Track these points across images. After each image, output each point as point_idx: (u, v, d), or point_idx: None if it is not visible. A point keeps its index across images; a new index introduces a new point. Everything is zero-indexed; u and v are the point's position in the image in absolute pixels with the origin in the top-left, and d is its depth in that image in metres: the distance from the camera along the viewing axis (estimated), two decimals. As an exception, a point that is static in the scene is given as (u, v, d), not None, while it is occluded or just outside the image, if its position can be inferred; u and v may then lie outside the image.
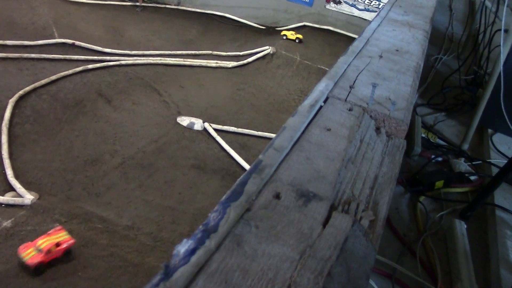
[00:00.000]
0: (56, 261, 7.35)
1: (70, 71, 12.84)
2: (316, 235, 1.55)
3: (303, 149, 1.96)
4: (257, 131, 11.89)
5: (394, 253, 2.68)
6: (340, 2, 18.29)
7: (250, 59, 15.82)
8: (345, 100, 2.43)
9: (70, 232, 7.86)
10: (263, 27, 18.97)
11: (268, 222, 1.58)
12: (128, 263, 7.49)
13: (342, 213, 1.67)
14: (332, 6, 18.51)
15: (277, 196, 1.68)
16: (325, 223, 1.60)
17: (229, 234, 1.55)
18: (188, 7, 19.10)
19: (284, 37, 17.20)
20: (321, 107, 2.31)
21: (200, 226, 1.55)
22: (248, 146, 11.35)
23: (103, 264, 7.40)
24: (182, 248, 1.45)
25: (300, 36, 17.27)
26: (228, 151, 10.94)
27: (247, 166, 10.48)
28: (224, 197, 1.70)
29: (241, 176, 1.87)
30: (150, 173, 9.86)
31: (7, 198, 8.45)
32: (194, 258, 1.40)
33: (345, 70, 2.80)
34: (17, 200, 8.42)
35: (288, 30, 17.69)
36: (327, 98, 2.42)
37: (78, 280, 7.07)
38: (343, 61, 2.92)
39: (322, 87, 2.54)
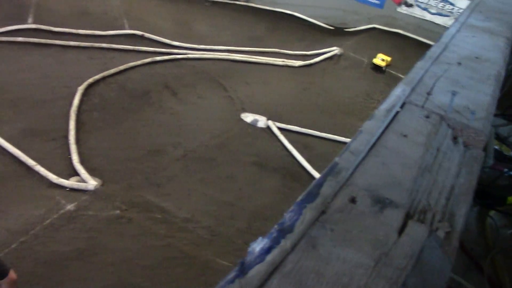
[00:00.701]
0: (115, 246, 7.41)
1: (139, 62, 13.03)
2: (392, 243, 1.54)
3: (379, 154, 1.94)
4: (321, 132, 11.74)
5: (459, 267, 2.53)
6: (411, 5, 17.90)
7: (317, 59, 15.67)
8: (422, 106, 2.36)
9: (129, 220, 7.93)
10: (332, 28, 18.80)
11: (343, 226, 1.58)
12: (184, 254, 7.48)
13: (418, 222, 1.66)
14: (403, 9, 18.14)
15: (353, 200, 1.69)
16: (401, 231, 1.59)
17: (304, 236, 1.50)
18: (258, 4, 19.11)
19: (384, 68, 15.33)
20: (397, 112, 2.28)
21: (276, 226, 1.50)
22: (310, 147, 11.22)
23: (159, 254, 7.41)
24: (258, 246, 1.40)
25: (388, 59, 15.54)
26: (290, 150, 10.82)
27: (308, 167, 10.36)
28: (299, 198, 1.65)
29: (317, 178, 1.81)
30: (211, 167, 9.86)
31: (72, 182, 8.59)
32: (269, 257, 1.35)
33: (422, 76, 2.71)
34: (81, 185, 8.55)
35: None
36: (403, 104, 2.38)
37: (135, 268, 7.10)
38: (420, 66, 2.83)
39: (399, 92, 2.47)
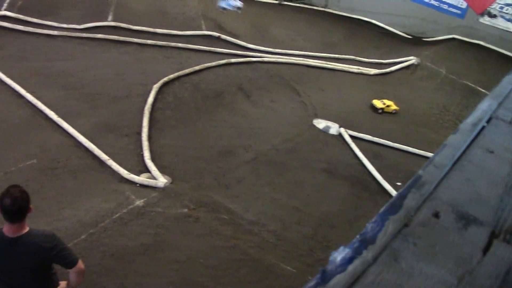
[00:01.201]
0: (181, 243, 7.49)
1: (214, 63, 13.17)
2: (476, 262, 1.48)
3: (463, 169, 1.88)
4: (393, 142, 11.52)
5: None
6: (495, 16, 17.32)
7: (393, 68, 15.40)
8: (510, 122, 2.26)
9: (197, 219, 8.00)
10: (409, 37, 18.46)
11: (426, 240, 1.53)
12: (248, 257, 7.48)
13: (504, 243, 1.60)
14: (486, 19, 17.57)
15: (436, 215, 1.63)
16: (486, 250, 1.53)
17: (386, 248, 1.45)
18: (335, 10, 18.99)
19: (380, 111, 13.16)
20: (483, 127, 2.19)
21: (358, 236, 1.46)
22: (381, 156, 11.04)
23: (224, 255, 7.43)
24: (339, 255, 1.36)
25: (397, 108, 13.36)
26: (361, 158, 10.67)
27: (378, 176, 10.19)
28: (382, 209, 1.61)
29: (400, 190, 1.76)
30: (281, 172, 9.84)
31: (142, 178, 8.74)
32: (351, 267, 1.31)
33: (510, 90, 2.60)
34: (151, 182, 8.69)
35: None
36: (490, 118, 2.29)
37: (199, 267, 7.15)
38: (508, 81, 2.72)
39: (485, 106, 2.38)
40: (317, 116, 11.94)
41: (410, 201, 1.66)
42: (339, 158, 10.66)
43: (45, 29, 13.30)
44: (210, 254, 7.42)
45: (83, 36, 13.38)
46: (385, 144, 11.46)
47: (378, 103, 12.90)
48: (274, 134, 10.91)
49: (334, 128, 11.50)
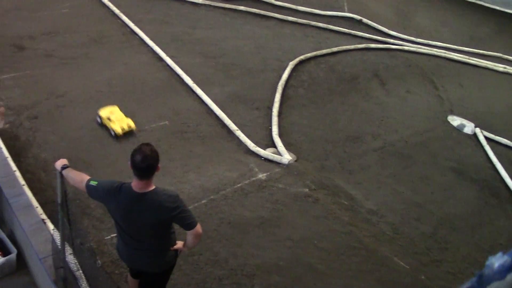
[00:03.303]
0: (297, 222, 7.49)
1: (352, 46, 12.97)
2: None
3: None
4: (533, 150, 10.83)
5: None
6: None
7: (544, 71, 14.41)
8: None
9: (316, 200, 7.98)
10: None
11: None
12: (362, 246, 7.37)
13: None
14: None
15: None
16: None
17: None
18: (486, 2, 17.95)
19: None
20: None
21: None
22: (517, 164, 10.42)
23: (338, 240, 7.38)
24: (497, 261, 1.28)
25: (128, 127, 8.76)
26: (494, 163, 10.12)
27: (511, 184, 9.63)
28: None
29: None
30: (407, 165, 9.57)
31: (268, 153, 8.83)
32: (510, 277, 1.24)
33: None
34: (276, 157, 8.75)
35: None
36: None
37: (312, 248, 7.15)
38: None
39: None
40: (452, 112, 11.46)
41: None
42: (471, 159, 10.19)
43: (190, -4, 13.76)
44: (324, 237, 7.39)
45: (226, 6, 13.66)
46: (524, 150, 10.78)
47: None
48: (405, 126, 10.61)
49: (469, 127, 10.98)
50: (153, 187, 4.41)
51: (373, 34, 13.98)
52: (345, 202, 8.21)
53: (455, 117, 11.26)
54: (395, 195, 8.80)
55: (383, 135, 10.16)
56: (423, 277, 7.11)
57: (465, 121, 11.15)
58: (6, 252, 6.46)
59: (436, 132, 10.70)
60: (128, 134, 8.67)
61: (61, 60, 10.40)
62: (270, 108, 10.04)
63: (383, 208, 8.39)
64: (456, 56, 13.98)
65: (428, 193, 9.07)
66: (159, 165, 4.34)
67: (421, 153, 9.96)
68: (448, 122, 11.09)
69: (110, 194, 4.45)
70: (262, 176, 8.30)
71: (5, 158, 7.28)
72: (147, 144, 4.33)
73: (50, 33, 11.21)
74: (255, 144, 9.01)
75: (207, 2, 13.62)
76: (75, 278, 5.55)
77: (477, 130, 10.95)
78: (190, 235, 4.60)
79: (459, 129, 10.94)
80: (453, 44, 14.50)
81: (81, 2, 12.76)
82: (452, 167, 9.85)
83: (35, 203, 6.68)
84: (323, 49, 12.53)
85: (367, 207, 8.29)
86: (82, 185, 4.62)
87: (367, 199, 8.48)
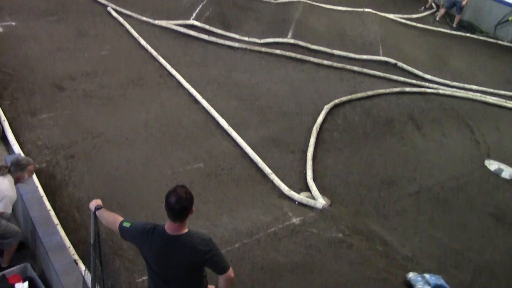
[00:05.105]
0: (331, 268, 7.40)
1: (387, 90, 12.95)
2: None
3: None
4: None
5: None
6: None
7: None
8: None
9: (350, 246, 7.88)
10: None
11: None
12: (399, 294, 7.25)
13: None
14: None
15: None
16: None
17: None
18: (523, 46, 17.79)
19: None
20: None
21: None
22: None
23: (373, 287, 7.25)
24: None
25: None
26: (532, 209, 9.89)
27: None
28: None
29: None
30: (444, 210, 9.39)
31: (302, 197, 8.79)
32: None
33: None
34: (310, 201, 8.71)
35: None
36: None
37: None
38: None
39: None
40: (489, 156, 11.27)
41: None
42: (510, 205, 9.95)
43: (227, 40, 13.98)
44: (359, 283, 7.28)
45: (262, 50, 13.81)
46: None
47: None
48: (441, 170, 10.46)
49: (507, 172, 10.78)
50: (186, 230, 4.42)
51: (408, 78, 13.92)
52: (380, 248, 8.08)
53: (492, 161, 11.06)
54: (432, 241, 8.62)
55: (418, 180, 10.03)
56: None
57: (502, 166, 10.94)
58: (36, 292, 6.51)
59: (473, 177, 10.51)
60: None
61: (99, 101, 10.62)
62: (304, 152, 10.02)
63: (419, 254, 8.22)
64: (492, 99, 13.81)
65: (466, 240, 8.86)
66: (193, 207, 4.35)
67: (458, 198, 9.77)
68: (485, 167, 10.89)
69: (143, 236, 4.47)
70: (296, 220, 8.25)
71: (41, 197, 7.37)
72: (182, 186, 4.33)
73: (89, 74, 11.48)
74: (289, 188, 8.97)
75: (244, 46, 13.82)
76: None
77: (516, 174, 10.76)
78: (222, 279, 4.57)
79: (496, 174, 10.73)
80: (489, 88, 14.33)
81: (121, 45, 13.06)
82: (491, 212, 9.63)
83: (67, 243, 6.77)
84: (358, 92, 12.54)
85: (403, 253, 8.13)
86: (115, 226, 4.67)
87: (402, 245, 8.32)
